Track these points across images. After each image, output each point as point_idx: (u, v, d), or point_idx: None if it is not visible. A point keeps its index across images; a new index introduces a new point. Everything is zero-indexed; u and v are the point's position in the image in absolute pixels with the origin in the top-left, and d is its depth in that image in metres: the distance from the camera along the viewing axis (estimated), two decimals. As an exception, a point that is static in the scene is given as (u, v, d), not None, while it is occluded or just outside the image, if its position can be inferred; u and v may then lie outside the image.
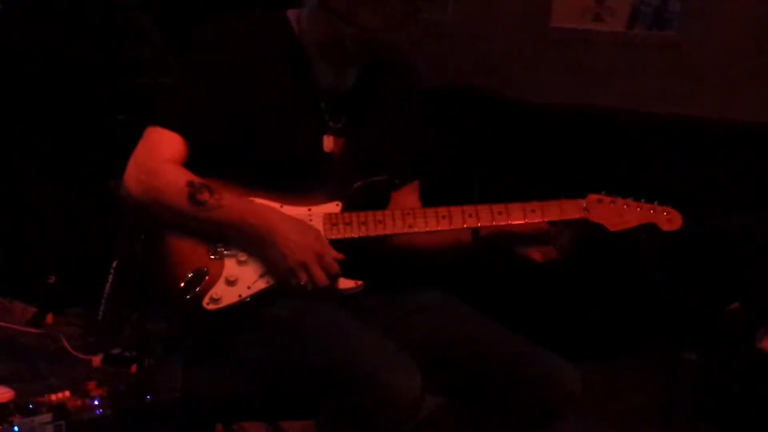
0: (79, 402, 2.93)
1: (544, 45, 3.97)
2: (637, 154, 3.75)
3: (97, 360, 3.34)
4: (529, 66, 3.97)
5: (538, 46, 3.96)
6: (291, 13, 2.41)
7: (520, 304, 3.32)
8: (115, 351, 3.29)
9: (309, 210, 2.31)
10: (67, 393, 2.97)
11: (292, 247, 2.23)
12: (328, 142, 2.37)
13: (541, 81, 3.93)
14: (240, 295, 2.25)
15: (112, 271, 3.41)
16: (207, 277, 2.24)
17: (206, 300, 2.23)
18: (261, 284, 2.26)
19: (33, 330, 3.65)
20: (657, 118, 3.81)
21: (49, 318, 3.69)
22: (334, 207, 2.32)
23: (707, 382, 3.40)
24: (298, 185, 2.32)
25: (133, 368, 3.10)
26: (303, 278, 2.23)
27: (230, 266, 2.26)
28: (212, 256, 2.27)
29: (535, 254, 2.37)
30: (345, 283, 2.28)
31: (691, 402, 3.40)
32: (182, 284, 2.23)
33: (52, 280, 3.75)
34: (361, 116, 2.40)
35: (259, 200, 2.30)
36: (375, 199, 2.38)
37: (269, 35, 2.37)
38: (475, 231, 2.40)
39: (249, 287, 2.26)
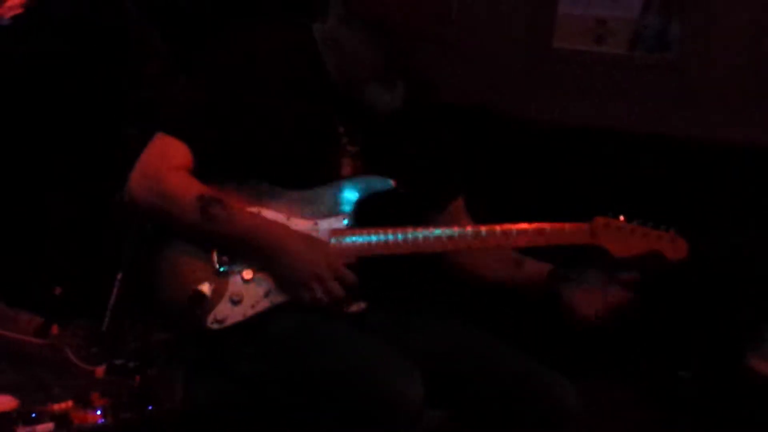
0: (81, 411, 2.96)
1: (546, 65, 3.99)
2: (637, 173, 3.77)
3: (100, 370, 3.36)
4: (531, 86, 3.99)
5: (540, 66, 3.98)
6: (317, 27, 2.35)
7: (519, 321, 3.34)
8: (118, 361, 3.31)
9: (315, 224, 2.29)
10: (70, 403, 3.00)
11: (304, 261, 2.21)
12: (346, 166, 2.35)
13: (542, 100, 3.95)
14: (244, 314, 2.23)
15: (116, 282, 3.43)
16: (211, 296, 2.21)
17: (209, 320, 2.21)
18: (265, 303, 2.24)
19: (38, 340, 3.66)
20: (657, 139, 3.83)
21: (55, 329, 3.71)
22: (339, 221, 2.30)
23: (701, 399, 3.41)
24: (306, 196, 2.30)
25: (137, 379, 3.13)
26: (317, 291, 2.20)
27: (235, 284, 2.24)
28: (216, 273, 2.24)
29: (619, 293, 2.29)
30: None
31: (686, 420, 3.41)
32: (185, 302, 2.20)
33: (58, 291, 3.76)
34: (378, 139, 2.37)
35: (266, 212, 2.27)
36: (388, 213, 2.32)
37: (290, 50, 2.33)
38: (552, 273, 2.35)
39: (253, 306, 2.23)
